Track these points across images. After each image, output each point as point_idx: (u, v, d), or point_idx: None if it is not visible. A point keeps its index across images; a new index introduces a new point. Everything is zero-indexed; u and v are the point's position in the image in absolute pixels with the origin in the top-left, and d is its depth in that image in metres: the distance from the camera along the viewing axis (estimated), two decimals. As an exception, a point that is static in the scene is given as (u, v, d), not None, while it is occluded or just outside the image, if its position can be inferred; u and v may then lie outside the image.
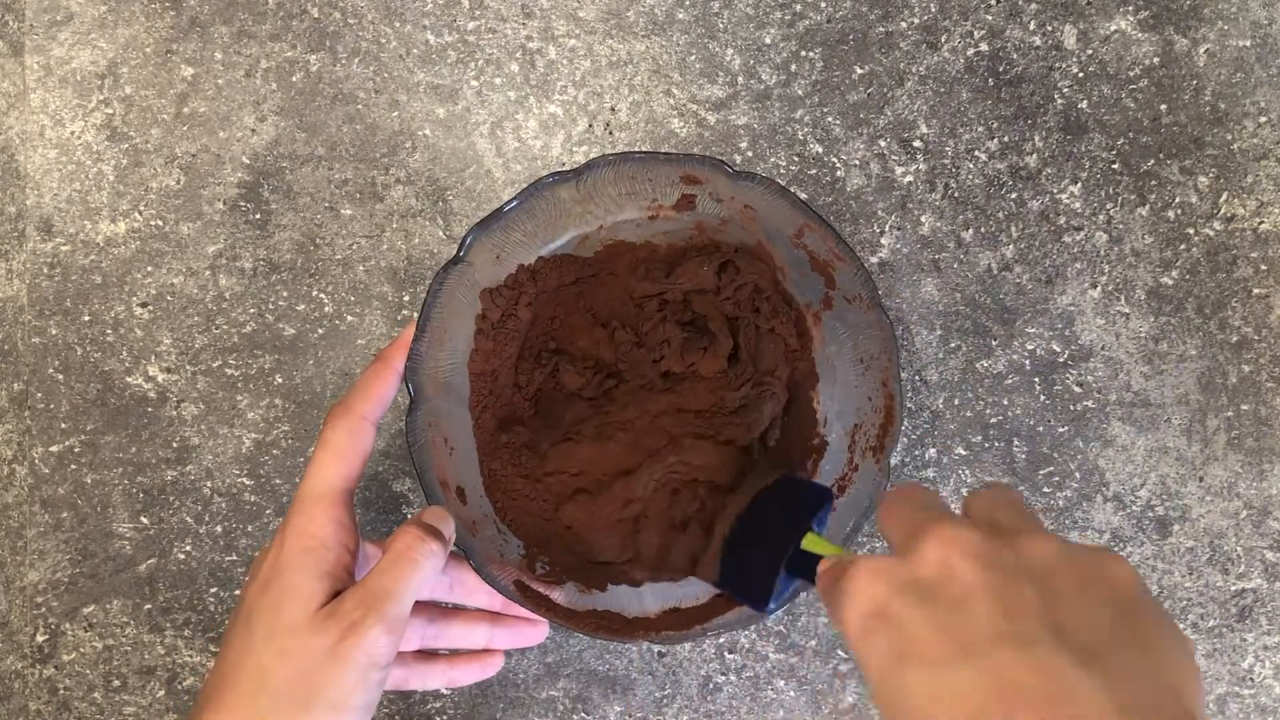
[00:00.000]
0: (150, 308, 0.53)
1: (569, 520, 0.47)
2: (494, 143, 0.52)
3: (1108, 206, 0.52)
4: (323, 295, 0.52)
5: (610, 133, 0.52)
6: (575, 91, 0.52)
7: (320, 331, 0.53)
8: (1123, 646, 0.26)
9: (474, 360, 0.46)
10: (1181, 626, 0.53)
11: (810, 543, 0.39)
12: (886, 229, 0.52)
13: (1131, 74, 0.52)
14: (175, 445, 0.53)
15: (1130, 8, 0.52)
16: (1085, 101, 0.52)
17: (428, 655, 0.47)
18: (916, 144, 0.52)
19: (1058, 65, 0.52)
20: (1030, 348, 0.52)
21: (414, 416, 0.42)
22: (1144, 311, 0.52)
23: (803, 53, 0.52)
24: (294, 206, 0.52)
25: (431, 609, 0.47)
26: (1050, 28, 0.52)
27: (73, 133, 0.52)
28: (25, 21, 0.52)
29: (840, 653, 0.53)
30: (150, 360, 0.53)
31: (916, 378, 0.52)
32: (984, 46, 0.52)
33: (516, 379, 0.48)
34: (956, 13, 0.52)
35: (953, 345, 0.52)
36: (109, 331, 0.53)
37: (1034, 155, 0.52)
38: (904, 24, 0.52)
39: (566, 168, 0.46)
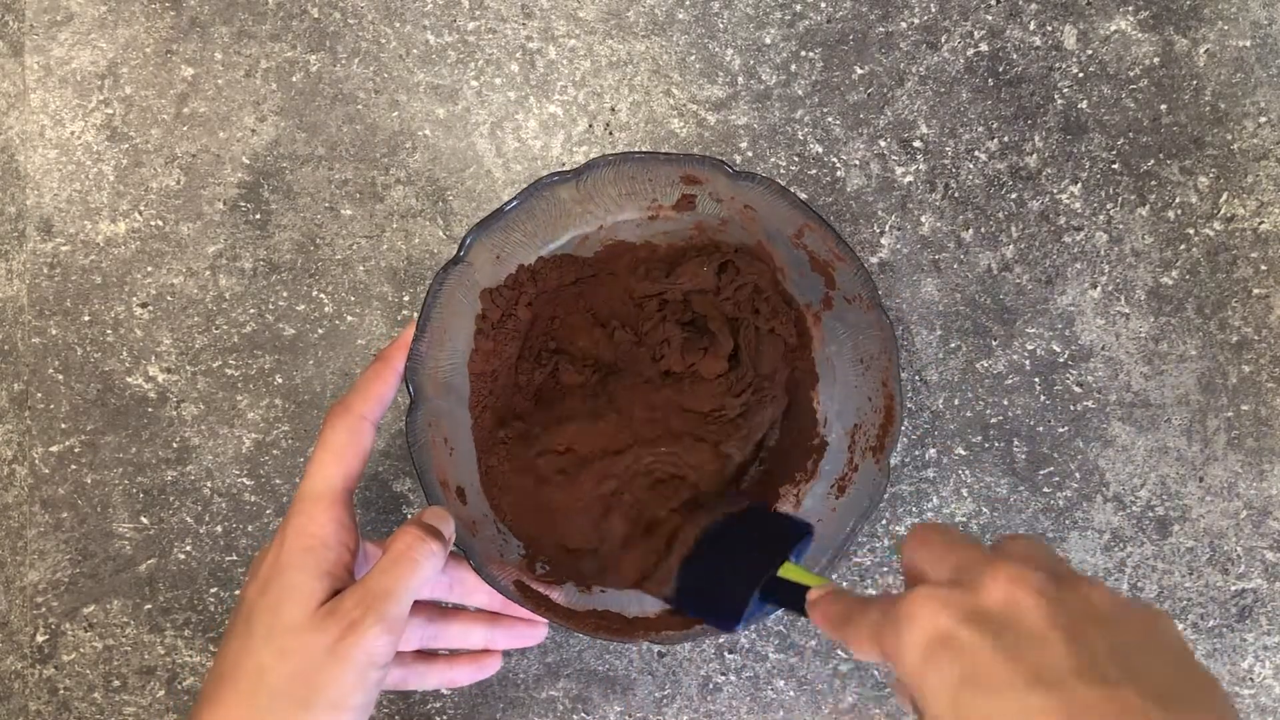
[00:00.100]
0: (150, 308, 0.53)
1: (548, 500, 0.47)
2: (494, 143, 0.52)
3: (1108, 206, 0.52)
4: (323, 295, 0.52)
5: (610, 133, 0.52)
6: (575, 91, 0.52)
7: (320, 332, 0.53)
8: (1189, 697, 0.27)
9: (474, 360, 0.46)
10: (1181, 626, 0.53)
11: (788, 571, 0.39)
12: (886, 229, 0.52)
13: (1131, 74, 0.52)
14: (175, 445, 0.53)
15: (1130, 8, 0.52)
16: (1085, 101, 0.52)
17: (426, 655, 0.47)
18: (916, 144, 0.52)
19: (1058, 65, 0.52)
20: (1030, 348, 0.52)
21: (414, 416, 0.42)
22: (1144, 312, 0.52)
23: (803, 53, 0.52)
24: (294, 206, 0.52)
25: (431, 609, 0.47)
26: (1050, 28, 0.52)
27: (73, 133, 0.53)
28: (25, 21, 0.52)
29: (840, 653, 0.53)
30: (150, 360, 0.53)
31: (916, 378, 0.52)
32: (984, 47, 0.52)
33: (516, 379, 0.48)
34: (956, 13, 0.52)
35: (953, 345, 0.52)
36: (109, 331, 0.53)
37: (1034, 155, 0.52)
38: (904, 24, 0.52)
39: (566, 168, 0.46)
